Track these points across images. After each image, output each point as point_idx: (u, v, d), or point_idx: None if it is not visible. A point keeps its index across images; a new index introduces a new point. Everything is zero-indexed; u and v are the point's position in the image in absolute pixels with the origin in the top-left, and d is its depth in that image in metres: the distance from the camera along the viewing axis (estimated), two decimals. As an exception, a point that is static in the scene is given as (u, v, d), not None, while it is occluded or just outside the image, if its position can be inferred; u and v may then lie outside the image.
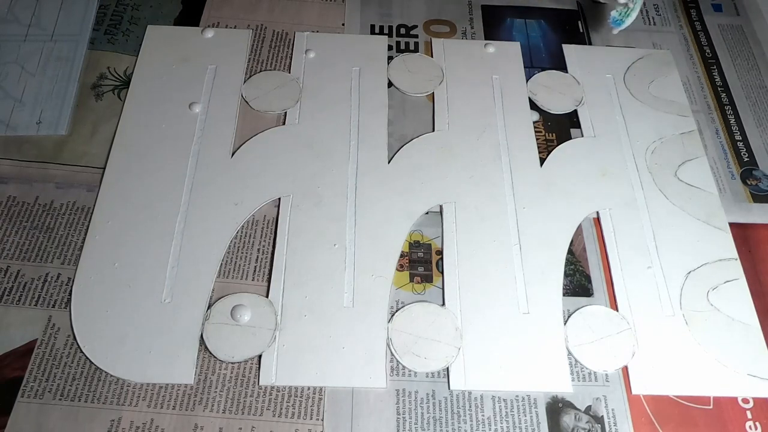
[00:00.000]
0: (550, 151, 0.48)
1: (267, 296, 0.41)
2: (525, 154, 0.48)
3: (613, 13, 0.51)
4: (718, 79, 0.54)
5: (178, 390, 0.37)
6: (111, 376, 0.37)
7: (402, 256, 0.43)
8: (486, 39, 0.55)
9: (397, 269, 0.42)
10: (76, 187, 0.44)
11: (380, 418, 0.37)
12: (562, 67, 0.53)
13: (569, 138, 0.49)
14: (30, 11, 0.53)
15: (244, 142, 0.47)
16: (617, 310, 0.41)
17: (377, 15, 0.56)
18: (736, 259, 0.44)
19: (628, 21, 0.50)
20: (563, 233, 0.44)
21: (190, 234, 0.43)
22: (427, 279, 0.42)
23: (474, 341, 0.40)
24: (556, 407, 0.38)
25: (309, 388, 0.38)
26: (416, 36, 0.55)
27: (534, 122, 0.50)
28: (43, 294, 0.40)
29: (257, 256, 0.42)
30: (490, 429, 0.37)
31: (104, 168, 0.45)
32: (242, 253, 0.42)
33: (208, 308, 0.40)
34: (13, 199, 0.44)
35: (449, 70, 0.52)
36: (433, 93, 0.51)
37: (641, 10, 0.59)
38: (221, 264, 0.42)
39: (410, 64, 0.52)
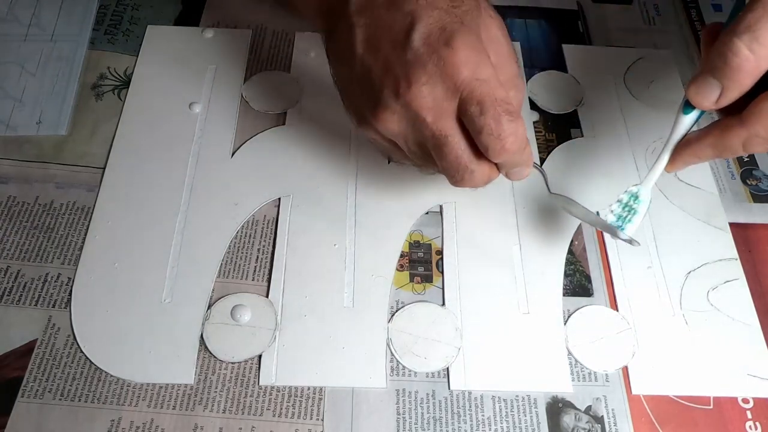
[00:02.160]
0: (550, 151, 0.48)
1: (267, 296, 0.41)
2: (525, 154, 0.48)
3: (611, 218, 0.39)
4: (718, 79, 0.54)
5: (178, 390, 0.37)
6: (111, 376, 0.37)
7: (402, 256, 0.43)
8: (486, 39, 0.55)
9: (397, 269, 0.42)
10: (76, 187, 0.44)
11: (380, 418, 0.37)
12: (562, 67, 0.53)
13: (569, 138, 0.49)
14: (30, 11, 0.53)
15: (244, 142, 0.47)
16: (617, 310, 0.41)
17: (377, 15, 0.56)
18: (736, 259, 0.43)
19: (631, 227, 0.38)
20: (563, 233, 0.44)
21: (190, 234, 0.43)
22: (427, 279, 0.42)
23: (474, 341, 0.40)
24: (556, 407, 0.38)
25: (309, 388, 0.38)
26: (416, 36, 0.55)
27: (534, 122, 0.50)
28: (43, 294, 0.40)
29: (257, 256, 0.42)
30: (490, 429, 0.37)
31: (104, 168, 0.45)
32: (242, 253, 0.42)
33: (208, 308, 0.40)
34: (13, 199, 0.44)
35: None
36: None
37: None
38: (221, 264, 0.42)
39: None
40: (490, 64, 0.33)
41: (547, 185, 0.41)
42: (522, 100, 0.37)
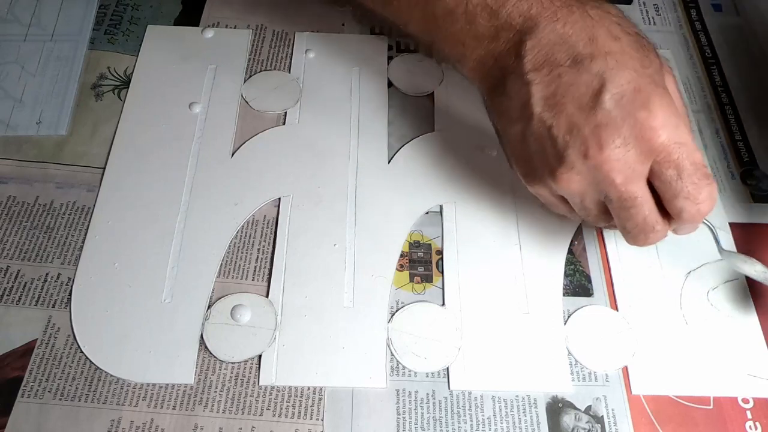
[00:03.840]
0: (550, 151, 0.48)
1: (267, 296, 0.41)
2: (525, 154, 0.48)
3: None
4: (718, 79, 0.54)
5: (178, 390, 0.37)
6: (111, 376, 0.37)
7: (402, 256, 0.43)
8: (486, 39, 0.55)
9: (397, 269, 0.42)
10: (76, 187, 0.44)
11: (380, 418, 0.37)
12: (562, 67, 0.53)
13: (569, 138, 0.49)
14: (30, 11, 0.53)
15: (244, 142, 0.47)
16: (617, 310, 0.41)
17: (377, 15, 0.56)
18: (736, 259, 0.44)
19: None
20: (563, 233, 0.44)
21: (190, 234, 0.43)
22: (427, 279, 0.42)
23: (474, 341, 0.40)
24: (556, 407, 0.38)
25: (309, 388, 0.38)
26: (416, 36, 0.55)
27: (534, 122, 0.50)
28: (43, 294, 0.40)
29: (257, 256, 0.42)
30: (490, 429, 0.37)
31: (104, 168, 0.45)
32: (242, 253, 0.42)
33: (208, 308, 0.40)
34: (13, 199, 0.44)
35: (449, 70, 0.52)
36: (433, 93, 0.51)
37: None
38: (221, 264, 0.42)
39: (410, 64, 0.52)
40: (686, 127, 0.33)
41: (718, 243, 0.40)
42: None
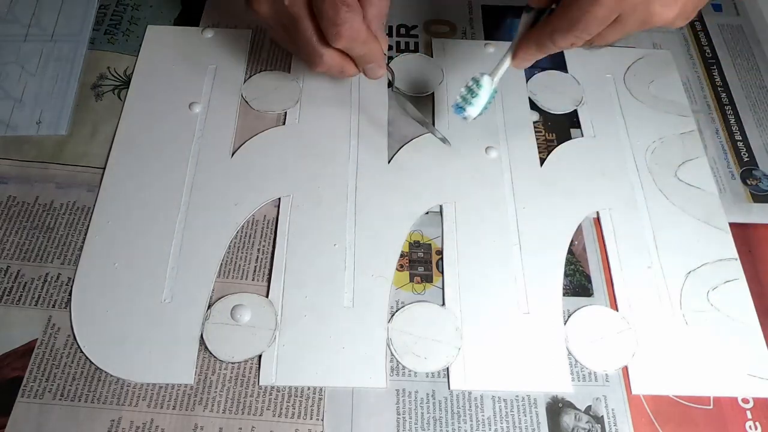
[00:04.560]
0: (550, 151, 0.48)
1: (267, 296, 0.41)
2: (525, 154, 0.48)
3: (457, 99, 0.43)
4: (718, 79, 0.54)
5: (178, 390, 0.37)
6: (111, 376, 0.37)
7: (402, 256, 0.43)
8: (486, 39, 0.55)
9: (397, 269, 0.42)
10: (76, 187, 0.44)
11: (380, 418, 0.37)
12: (562, 67, 0.53)
13: (569, 138, 0.49)
14: (30, 11, 0.53)
15: (244, 142, 0.47)
16: (617, 310, 0.41)
17: (377, 15, 0.56)
18: (736, 259, 0.43)
19: (471, 109, 0.42)
20: (563, 233, 0.44)
21: (190, 234, 0.43)
22: (427, 279, 0.42)
23: (474, 341, 0.40)
24: (556, 407, 0.38)
25: (309, 388, 0.38)
26: (416, 36, 0.55)
27: (534, 122, 0.50)
28: (43, 294, 0.40)
29: (257, 256, 0.42)
30: (490, 429, 0.37)
31: (104, 168, 0.45)
32: (242, 253, 0.42)
33: (208, 308, 0.40)
34: (13, 199, 0.44)
35: (449, 70, 0.52)
36: (433, 93, 0.51)
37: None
38: (221, 264, 0.42)
39: (410, 64, 0.52)
40: None
41: (391, 81, 0.46)
42: (383, 9, 0.42)
